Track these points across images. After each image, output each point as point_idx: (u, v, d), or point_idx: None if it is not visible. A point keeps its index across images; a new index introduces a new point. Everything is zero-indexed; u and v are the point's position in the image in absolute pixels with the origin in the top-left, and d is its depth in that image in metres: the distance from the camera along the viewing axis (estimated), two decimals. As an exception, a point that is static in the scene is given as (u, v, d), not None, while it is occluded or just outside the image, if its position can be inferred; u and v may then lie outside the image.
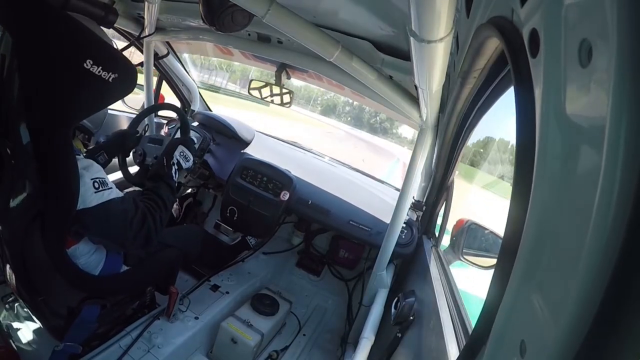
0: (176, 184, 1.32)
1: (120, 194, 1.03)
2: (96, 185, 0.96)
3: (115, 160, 1.56)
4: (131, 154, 1.64)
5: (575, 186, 0.31)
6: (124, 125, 2.09)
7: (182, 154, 1.34)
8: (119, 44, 1.57)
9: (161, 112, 2.23)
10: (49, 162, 0.87)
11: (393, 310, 1.22)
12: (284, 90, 1.71)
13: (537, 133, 0.36)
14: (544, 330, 0.31)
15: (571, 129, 0.32)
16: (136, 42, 1.67)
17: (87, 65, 0.82)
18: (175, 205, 2.16)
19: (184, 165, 1.35)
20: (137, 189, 1.68)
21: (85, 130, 1.90)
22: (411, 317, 1.14)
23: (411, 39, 0.61)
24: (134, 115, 1.85)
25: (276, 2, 0.77)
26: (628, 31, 0.23)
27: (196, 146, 1.91)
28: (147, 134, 1.76)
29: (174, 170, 1.30)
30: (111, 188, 1.00)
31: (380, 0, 0.84)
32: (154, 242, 1.10)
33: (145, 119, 1.91)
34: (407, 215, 1.68)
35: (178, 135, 1.89)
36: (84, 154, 1.29)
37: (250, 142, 2.08)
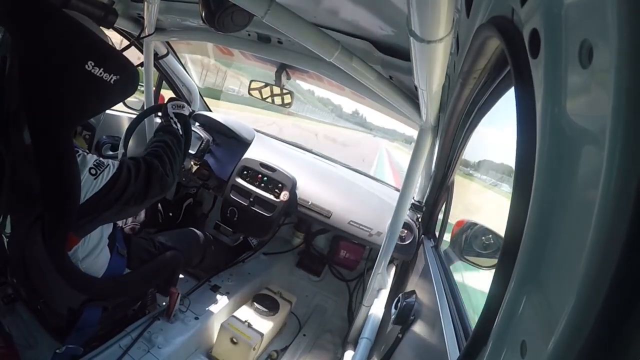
0: (181, 134, 1.31)
1: (117, 164, 1.03)
2: (92, 171, 0.96)
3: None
4: None
5: (577, 186, 0.31)
6: (124, 125, 2.08)
7: (174, 105, 1.34)
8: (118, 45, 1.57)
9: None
10: (50, 163, 0.87)
11: (393, 310, 1.22)
12: (284, 91, 1.71)
13: (537, 134, 0.36)
14: (544, 331, 0.31)
15: (572, 129, 0.32)
16: (136, 42, 1.67)
17: (88, 67, 0.81)
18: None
19: (184, 112, 1.35)
20: None
21: (89, 127, 1.90)
22: (411, 317, 1.14)
23: (411, 39, 0.61)
24: (134, 116, 1.84)
25: (276, 2, 0.76)
26: (629, 31, 0.23)
27: (196, 148, 1.91)
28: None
29: (172, 122, 1.31)
30: (108, 165, 1.00)
31: (380, 0, 0.84)
32: (169, 184, 1.12)
33: (145, 121, 1.91)
34: (408, 215, 1.68)
35: None
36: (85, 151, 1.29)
37: (251, 142, 2.08)
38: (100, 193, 0.96)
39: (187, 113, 1.36)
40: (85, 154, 0.99)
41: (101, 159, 1.00)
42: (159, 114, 2.13)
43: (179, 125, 1.31)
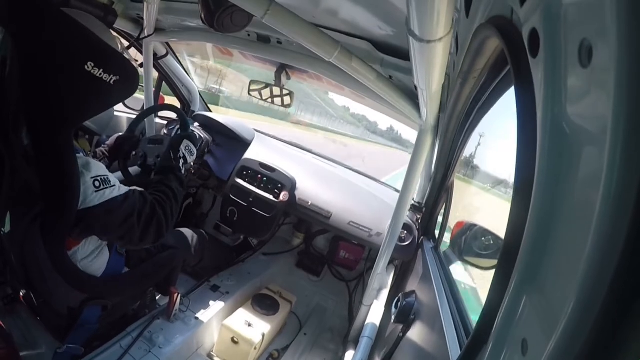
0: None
1: (124, 191, 1.01)
2: (96, 184, 0.94)
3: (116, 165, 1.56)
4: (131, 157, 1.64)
5: (577, 186, 0.31)
6: (124, 125, 2.09)
7: (187, 148, 1.33)
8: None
9: (161, 113, 2.23)
10: (49, 163, 0.87)
11: (393, 309, 1.22)
12: (284, 92, 1.71)
13: (538, 133, 0.36)
14: (545, 329, 0.31)
15: (572, 129, 0.32)
16: (135, 43, 1.67)
17: (88, 67, 0.81)
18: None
19: (189, 159, 1.34)
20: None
21: (90, 132, 1.90)
22: (412, 317, 1.14)
23: (410, 38, 0.61)
24: (134, 116, 1.85)
25: (275, 2, 0.76)
26: (628, 30, 0.23)
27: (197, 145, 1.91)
28: (145, 135, 1.76)
29: (181, 163, 1.30)
30: (114, 186, 0.98)
31: (379, 0, 0.84)
32: (164, 235, 1.08)
33: (145, 120, 1.92)
34: (407, 216, 1.68)
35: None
36: (89, 153, 1.29)
37: (251, 142, 2.08)
38: (96, 210, 0.93)
39: (190, 161, 1.36)
40: (90, 158, 0.99)
41: (109, 176, 0.98)
42: (160, 119, 2.17)
43: (183, 168, 1.31)
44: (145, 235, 1.03)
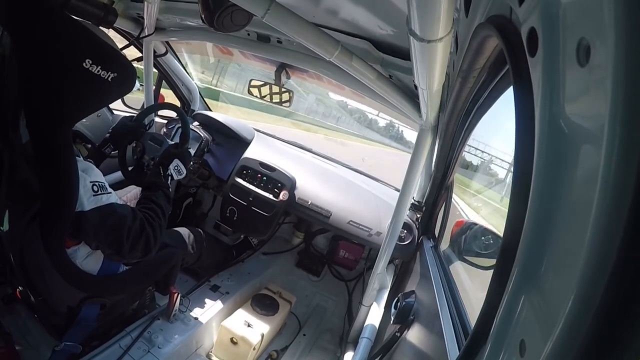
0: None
1: (118, 200, 1.03)
2: (95, 188, 0.96)
3: (112, 160, 1.56)
4: (131, 147, 1.64)
5: (575, 185, 0.31)
6: None
7: (176, 168, 1.35)
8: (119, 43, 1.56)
9: (161, 112, 2.23)
10: (48, 161, 0.87)
11: (393, 310, 1.22)
12: (283, 90, 1.71)
13: (536, 132, 0.36)
14: (543, 330, 0.31)
15: (570, 128, 0.32)
16: (135, 42, 1.67)
17: (86, 64, 0.81)
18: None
19: (175, 177, 1.36)
20: (131, 189, 1.69)
21: (86, 140, 1.90)
22: (411, 317, 1.14)
23: (411, 38, 0.61)
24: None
25: (276, 1, 0.76)
26: (626, 30, 0.23)
27: (196, 147, 1.91)
28: (149, 129, 1.76)
29: (169, 180, 1.32)
30: (110, 193, 1.00)
31: (379, 0, 0.84)
32: (152, 251, 1.09)
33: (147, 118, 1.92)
34: (407, 215, 1.68)
35: (177, 137, 1.90)
36: (89, 150, 1.30)
37: (251, 142, 2.08)
38: (91, 214, 0.94)
39: (178, 178, 1.37)
40: (91, 162, 1.00)
41: (106, 183, 1.00)
42: (160, 117, 2.17)
43: (171, 186, 1.32)
44: (133, 250, 1.03)
